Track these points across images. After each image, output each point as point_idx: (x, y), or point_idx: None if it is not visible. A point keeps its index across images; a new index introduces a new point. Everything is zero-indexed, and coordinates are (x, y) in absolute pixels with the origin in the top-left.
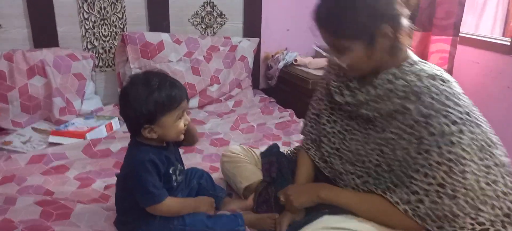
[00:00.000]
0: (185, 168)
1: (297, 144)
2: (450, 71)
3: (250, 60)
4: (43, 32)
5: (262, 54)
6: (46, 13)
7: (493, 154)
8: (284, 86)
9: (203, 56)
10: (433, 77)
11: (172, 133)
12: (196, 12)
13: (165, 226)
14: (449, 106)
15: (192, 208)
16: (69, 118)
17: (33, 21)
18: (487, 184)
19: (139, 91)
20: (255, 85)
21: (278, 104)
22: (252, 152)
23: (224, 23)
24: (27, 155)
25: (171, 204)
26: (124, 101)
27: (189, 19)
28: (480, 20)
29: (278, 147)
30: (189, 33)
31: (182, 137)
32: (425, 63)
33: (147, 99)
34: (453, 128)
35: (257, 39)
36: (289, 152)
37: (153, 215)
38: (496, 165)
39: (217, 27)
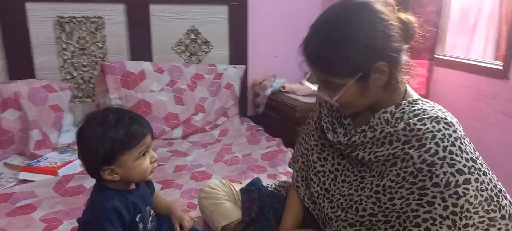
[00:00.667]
0: None
1: (283, 177)
2: (426, 95)
3: (237, 88)
4: (19, 63)
5: (250, 81)
6: (21, 44)
7: (501, 205)
8: (272, 114)
9: (187, 85)
10: (436, 120)
11: (136, 173)
12: (180, 40)
13: None
14: (455, 154)
15: None
16: (44, 152)
17: (8, 52)
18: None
19: (95, 130)
20: (242, 113)
21: (265, 132)
22: (232, 188)
23: (209, 50)
24: None
25: None
26: (79, 141)
27: (172, 47)
28: (472, 42)
29: (260, 182)
30: (173, 62)
31: (149, 176)
32: (426, 102)
33: (103, 138)
34: (459, 178)
35: (243, 66)
36: (274, 185)
37: None
38: (503, 217)
39: (202, 55)
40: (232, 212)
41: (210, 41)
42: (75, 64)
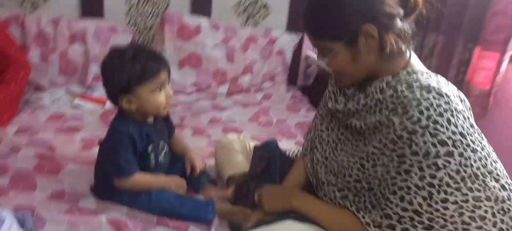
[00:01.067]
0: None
1: None
2: (490, 91)
3: (288, 55)
4: (91, 3)
5: (305, 51)
6: None
7: (487, 186)
8: (320, 86)
9: (240, 45)
10: (427, 88)
11: (150, 105)
12: (240, 1)
13: (133, 199)
14: (439, 124)
15: (160, 185)
16: (100, 84)
17: None
18: (472, 218)
19: (114, 62)
20: (292, 81)
21: (309, 103)
22: (247, 144)
23: (268, 15)
24: (48, 112)
25: (139, 179)
26: (102, 71)
27: (232, 7)
28: None
29: (276, 144)
30: (230, 21)
31: (164, 111)
32: (428, 73)
33: (121, 70)
34: (441, 149)
35: (299, 35)
36: (296, 152)
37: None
38: (488, 199)
39: (259, 18)
40: (240, 164)
41: (269, 5)
42: (140, 11)
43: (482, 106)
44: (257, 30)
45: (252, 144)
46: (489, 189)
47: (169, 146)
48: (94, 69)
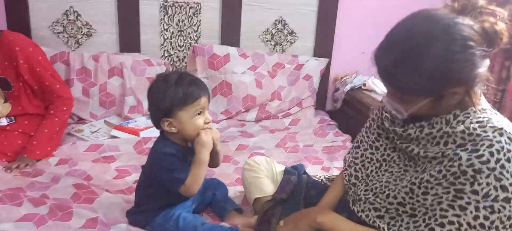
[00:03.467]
0: (215, 175)
1: (336, 171)
2: None
3: (316, 80)
4: (129, 38)
5: (332, 76)
6: (133, 23)
7: None
8: (348, 110)
9: (268, 72)
10: (500, 131)
11: (190, 128)
12: (267, 29)
13: (162, 225)
14: (506, 169)
15: (201, 163)
16: (136, 116)
17: (121, 29)
18: None
19: (159, 86)
20: (320, 106)
21: (337, 128)
22: (274, 167)
23: (294, 41)
24: (87, 143)
25: (190, 180)
26: (148, 96)
27: (259, 35)
28: None
29: (303, 169)
30: (258, 49)
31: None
32: (496, 113)
33: (164, 94)
34: (501, 194)
35: (326, 60)
36: (323, 177)
37: (158, 213)
38: None
39: (286, 45)
40: (267, 187)
41: (296, 32)
42: (173, 43)
43: None
44: (284, 56)
45: (278, 167)
46: None
47: None
48: (130, 101)
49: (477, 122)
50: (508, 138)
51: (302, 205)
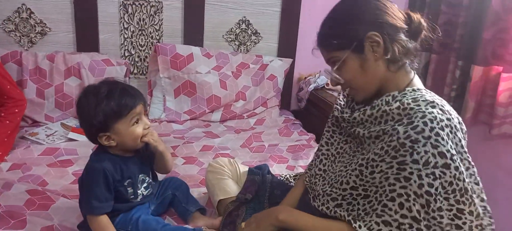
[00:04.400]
0: (179, 177)
1: (301, 170)
2: None
3: (280, 80)
4: (86, 37)
5: (296, 75)
6: (90, 21)
7: (473, 202)
8: (313, 109)
9: (232, 72)
10: (432, 104)
11: (130, 139)
12: (231, 29)
13: None
14: (441, 137)
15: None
16: None
17: (78, 27)
18: (451, 226)
19: (89, 102)
20: (285, 106)
21: (302, 127)
22: (237, 168)
23: (258, 41)
24: (43, 147)
25: (105, 225)
26: (78, 112)
27: (223, 35)
28: None
29: (267, 168)
30: (222, 49)
31: (140, 143)
32: (431, 93)
33: (96, 109)
34: (439, 160)
35: (289, 60)
36: (288, 176)
37: (112, 221)
38: (471, 213)
39: (250, 45)
40: (231, 189)
41: (260, 32)
42: (134, 43)
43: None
44: (249, 56)
45: (242, 168)
46: (474, 204)
47: (153, 172)
48: None
49: (411, 99)
50: (441, 109)
51: (267, 204)
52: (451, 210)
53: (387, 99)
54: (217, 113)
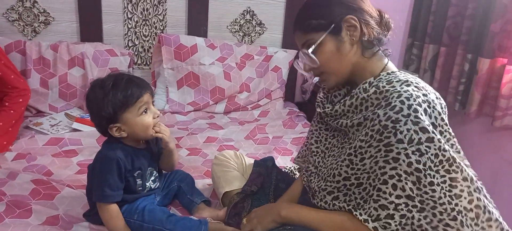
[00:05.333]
0: (183, 168)
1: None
2: None
3: (284, 72)
4: (90, 27)
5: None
6: (94, 11)
7: (462, 168)
8: None
9: (236, 63)
10: (406, 82)
11: (140, 128)
12: (235, 20)
13: (126, 220)
14: (419, 113)
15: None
16: None
17: (82, 17)
18: (451, 197)
19: (96, 95)
20: (289, 98)
21: (307, 119)
22: (243, 160)
23: (263, 32)
24: (47, 137)
25: (115, 213)
26: (87, 106)
27: (227, 26)
28: None
29: (273, 161)
30: (227, 40)
31: (152, 131)
32: (405, 73)
33: (103, 101)
34: (422, 135)
35: (294, 51)
36: (293, 168)
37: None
38: (465, 179)
39: (255, 36)
40: (236, 181)
41: (265, 23)
42: (138, 33)
43: None
44: (253, 48)
45: (248, 160)
46: (465, 170)
47: (159, 167)
48: None
49: (386, 81)
50: (416, 86)
51: (272, 197)
52: (444, 182)
53: (364, 87)
54: (221, 104)
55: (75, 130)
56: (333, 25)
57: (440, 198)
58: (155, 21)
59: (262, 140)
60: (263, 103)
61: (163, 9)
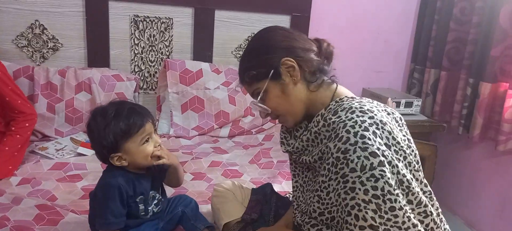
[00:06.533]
0: (188, 193)
1: None
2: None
3: None
4: (97, 53)
5: None
6: (102, 37)
7: (412, 191)
8: None
9: (241, 88)
10: (351, 110)
11: (141, 157)
12: (240, 45)
13: None
14: (367, 138)
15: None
16: None
17: (90, 43)
18: (420, 220)
19: (98, 123)
20: None
21: None
22: (242, 189)
23: None
24: (52, 161)
25: None
26: (88, 134)
27: (232, 51)
28: None
29: (271, 187)
30: (231, 65)
31: (151, 161)
32: (353, 98)
33: (105, 130)
34: (374, 160)
35: None
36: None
37: None
38: (419, 203)
39: None
40: (235, 211)
41: None
42: (144, 59)
43: None
44: None
45: (247, 188)
46: (415, 194)
47: (162, 188)
48: None
49: (332, 113)
50: (360, 111)
51: (272, 224)
52: (407, 205)
53: (317, 119)
54: (225, 129)
55: (80, 154)
56: (272, 71)
57: (404, 222)
58: (161, 47)
59: (266, 164)
60: (267, 127)
61: (169, 35)
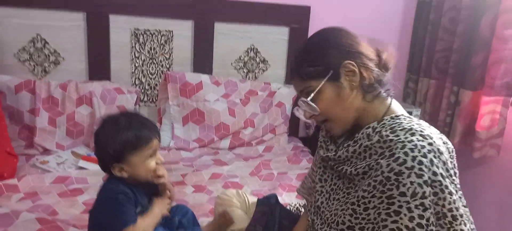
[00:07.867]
0: (188, 206)
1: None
2: (501, 133)
3: (288, 107)
4: (98, 66)
5: None
6: (103, 50)
7: (465, 224)
8: None
9: (240, 99)
10: (411, 131)
11: (142, 172)
12: (239, 57)
13: None
14: (424, 165)
15: (155, 217)
16: None
17: (91, 56)
18: None
19: (107, 131)
20: (293, 133)
21: (310, 154)
22: (246, 199)
23: (266, 69)
24: (53, 175)
25: (143, 225)
26: (95, 140)
27: (231, 63)
28: None
29: (276, 198)
30: (231, 77)
31: (152, 177)
32: (409, 117)
33: (114, 139)
34: (427, 189)
35: None
36: (297, 205)
37: None
38: None
39: (259, 72)
40: (240, 220)
41: (268, 60)
42: (144, 71)
43: (495, 147)
44: (257, 84)
45: (251, 198)
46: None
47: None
48: None
49: (389, 129)
50: (420, 135)
51: None
52: None
53: (367, 132)
54: (225, 140)
55: (81, 168)
56: (331, 72)
57: None
58: (162, 59)
59: (267, 176)
60: (268, 139)
61: (169, 48)
